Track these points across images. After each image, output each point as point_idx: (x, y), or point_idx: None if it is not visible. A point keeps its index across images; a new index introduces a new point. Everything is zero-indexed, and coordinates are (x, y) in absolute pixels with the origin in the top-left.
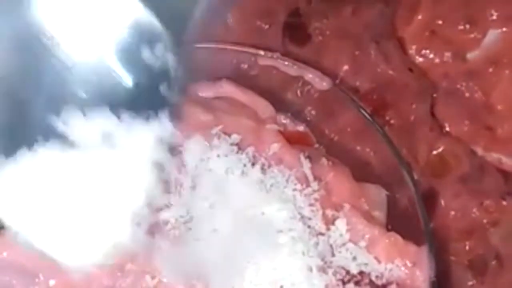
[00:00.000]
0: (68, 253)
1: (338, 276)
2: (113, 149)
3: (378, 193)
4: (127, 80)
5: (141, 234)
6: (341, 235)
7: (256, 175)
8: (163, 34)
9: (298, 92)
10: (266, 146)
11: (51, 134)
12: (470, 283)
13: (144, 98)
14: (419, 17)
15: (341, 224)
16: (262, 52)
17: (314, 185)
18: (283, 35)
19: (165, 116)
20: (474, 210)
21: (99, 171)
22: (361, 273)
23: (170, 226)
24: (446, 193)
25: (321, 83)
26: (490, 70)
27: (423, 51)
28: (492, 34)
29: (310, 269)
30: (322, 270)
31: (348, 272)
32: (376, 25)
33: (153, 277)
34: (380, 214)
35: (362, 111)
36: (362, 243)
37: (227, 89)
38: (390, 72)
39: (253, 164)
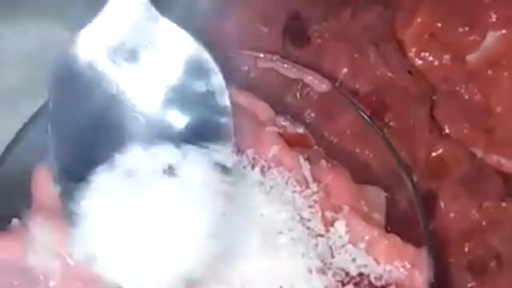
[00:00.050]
0: (137, 282)
1: (338, 278)
2: (176, 180)
3: (377, 195)
4: (185, 114)
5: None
6: (340, 236)
7: (255, 177)
8: (214, 67)
9: (298, 94)
10: (266, 148)
11: (116, 170)
12: (469, 284)
13: (202, 129)
14: (419, 19)
15: (340, 226)
16: (261, 55)
17: (314, 187)
18: (282, 38)
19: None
20: (474, 211)
21: (164, 202)
22: (360, 274)
23: None
24: (445, 195)
25: (321, 86)
26: (490, 72)
27: (423, 54)
28: (492, 36)
29: (310, 271)
30: (322, 271)
31: (347, 273)
32: (376, 27)
33: None
34: (379, 215)
35: (362, 113)
36: (362, 245)
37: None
38: (390, 74)
39: (252, 166)
